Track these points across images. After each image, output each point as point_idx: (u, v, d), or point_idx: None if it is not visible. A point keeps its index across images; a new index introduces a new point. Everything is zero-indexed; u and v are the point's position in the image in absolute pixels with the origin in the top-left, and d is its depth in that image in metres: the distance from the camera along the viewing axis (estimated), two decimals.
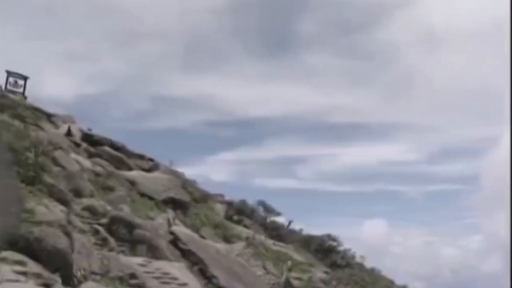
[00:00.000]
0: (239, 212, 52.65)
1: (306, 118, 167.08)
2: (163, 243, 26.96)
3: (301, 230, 56.16)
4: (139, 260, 23.05)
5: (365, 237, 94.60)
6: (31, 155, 27.27)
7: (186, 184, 48.30)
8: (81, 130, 50.96)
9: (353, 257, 48.99)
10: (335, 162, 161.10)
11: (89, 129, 52.24)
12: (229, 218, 49.02)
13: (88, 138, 49.51)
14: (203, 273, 26.10)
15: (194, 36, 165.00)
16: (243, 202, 55.13)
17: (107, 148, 48.02)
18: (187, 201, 42.60)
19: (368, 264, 48.80)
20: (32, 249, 16.37)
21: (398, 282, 47.49)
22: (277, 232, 51.84)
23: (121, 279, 20.01)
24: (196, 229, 36.15)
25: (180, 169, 52.79)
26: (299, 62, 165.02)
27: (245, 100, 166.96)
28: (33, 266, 15.83)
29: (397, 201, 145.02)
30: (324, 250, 49.30)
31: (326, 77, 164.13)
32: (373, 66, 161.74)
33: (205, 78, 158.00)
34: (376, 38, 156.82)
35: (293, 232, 55.22)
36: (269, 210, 56.40)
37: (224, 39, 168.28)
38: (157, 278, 21.70)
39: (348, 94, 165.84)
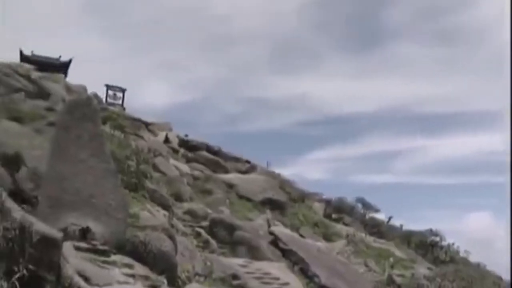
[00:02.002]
0: (338, 210, 52.24)
1: (399, 111, 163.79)
2: (263, 244, 27.21)
3: (401, 226, 54.99)
4: (240, 261, 23.37)
5: (468, 230, 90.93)
6: (133, 163, 28.42)
7: (283, 184, 48.52)
8: (178, 137, 52.44)
9: (457, 252, 47.17)
10: (431, 154, 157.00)
11: (186, 135, 53.61)
12: (327, 216, 48.78)
13: (185, 143, 50.85)
14: (304, 272, 26.10)
15: (282, 37, 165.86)
16: (341, 199, 54.65)
17: (204, 153, 49.08)
18: (284, 201, 42.77)
19: (473, 259, 47.05)
20: (138, 252, 17.02)
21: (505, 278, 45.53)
22: (377, 229, 51.00)
23: (223, 280, 20.37)
24: (295, 229, 36.25)
25: (276, 170, 53.17)
26: (388, 54, 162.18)
27: (337, 97, 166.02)
28: (140, 269, 16.45)
29: (502, 193, 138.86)
30: (425, 245, 47.92)
31: (417, 67, 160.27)
32: (464, 50, 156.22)
33: (295, 78, 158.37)
34: (464, 19, 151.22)
35: (393, 228, 54.14)
36: (367, 206, 55.64)
37: (311, 37, 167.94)
38: (258, 278, 21.91)
39: (441, 83, 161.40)
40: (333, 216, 50.05)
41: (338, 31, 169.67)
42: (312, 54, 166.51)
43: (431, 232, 50.24)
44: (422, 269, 35.86)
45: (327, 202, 53.32)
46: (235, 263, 22.76)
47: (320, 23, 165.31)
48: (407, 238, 49.87)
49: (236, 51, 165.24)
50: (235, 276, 21.11)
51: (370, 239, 43.50)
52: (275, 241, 28.81)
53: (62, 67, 59.42)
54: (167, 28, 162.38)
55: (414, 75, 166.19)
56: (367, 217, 54.78)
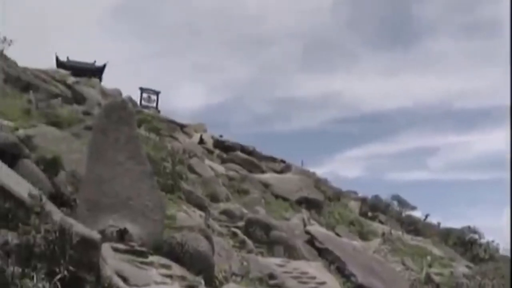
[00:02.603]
0: (373, 208, 51.96)
1: (434, 106, 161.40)
2: (300, 243, 27.22)
3: (438, 223, 54.44)
4: (277, 260, 23.38)
5: (507, 227, 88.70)
6: (168, 164, 28.70)
7: (318, 183, 48.47)
8: (212, 138, 52.81)
9: (496, 249, 46.36)
10: (468, 150, 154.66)
11: (220, 136, 53.94)
12: (363, 214, 48.55)
13: (220, 144, 51.18)
14: (341, 271, 26.02)
15: (314, 35, 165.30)
16: (376, 197, 54.35)
17: (238, 153, 49.31)
18: (320, 200, 42.73)
19: None
20: (175, 253, 17.18)
21: None
22: (414, 227, 50.58)
23: (260, 280, 20.41)
24: (331, 227, 36.17)
25: (311, 169, 53.10)
26: (422, 49, 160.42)
27: (371, 94, 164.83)
28: (177, 269, 16.60)
29: None
30: (464, 243, 47.30)
31: (452, 61, 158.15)
32: (499, 43, 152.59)
33: (329, 76, 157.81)
34: (498, 11, 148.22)
35: (430, 226, 53.58)
36: (403, 204, 55.21)
37: (344, 34, 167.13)
38: (295, 277, 21.90)
39: (476, 77, 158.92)
40: (369, 214, 49.80)
41: (371, 28, 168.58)
42: (345, 51, 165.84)
43: (470, 229, 49.58)
44: (461, 267, 35.42)
45: (363, 200, 53.09)
46: (272, 262, 22.79)
47: (352, 20, 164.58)
48: (445, 236, 49.31)
49: (268, 51, 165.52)
50: (272, 276, 21.14)
51: (407, 237, 43.14)
52: (311, 240, 28.79)
53: (97, 71, 60.41)
54: (199, 29, 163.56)
55: (449, 70, 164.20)
56: (403, 215, 54.37)
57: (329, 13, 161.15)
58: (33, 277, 9.88)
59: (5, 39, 24.31)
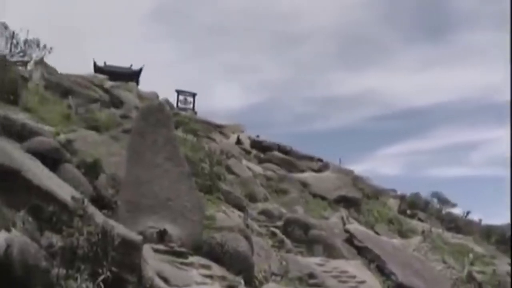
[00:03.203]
0: (413, 205, 51.38)
1: (473, 100, 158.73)
2: (339, 242, 27.10)
3: (480, 220, 53.45)
4: (316, 259, 23.35)
5: None
6: (206, 165, 28.87)
7: (357, 181, 48.13)
8: (249, 138, 52.88)
9: None
10: (509, 144, 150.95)
11: (257, 136, 54.00)
12: (402, 212, 48.07)
13: (257, 144, 51.24)
14: (381, 269, 25.81)
15: (349, 31, 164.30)
16: (416, 195, 53.70)
17: (276, 153, 49.30)
18: (359, 198, 42.45)
19: None
20: (215, 253, 17.31)
21: None
22: (455, 224, 49.83)
23: (300, 279, 20.39)
24: (370, 226, 35.93)
25: (348, 167, 52.81)
26: (458, 42, 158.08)
27: (407, 90, 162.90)
28: (217, 269, 16.72)
29: None
30: (506, 240, 46.34)
31: (489, 53, 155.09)
32: None
33: (364, 73, 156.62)
34: None
35: (471, 223, 52.67)
36: (443, 201, 54.44)
37: (379, 30, 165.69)
38: (335, 277, 21.83)
39: None
40: (408, 212, 49.28)
41: (406, 22, 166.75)
42: (381, 47, 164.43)
43: None
44: (504, 265, 34.73)
45: (402, 198, 52.54)
46: (312, 262, 22.76)
47: (387, 15, 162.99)
48: (487, 233, 48.39)
49: (303, 49, 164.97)
50: (311, 275, 21.11)
51: (447, 235, 42.56)
52: (350, 239, 28.64)
53: (133, 75, 61.13)
54: (233, 29, 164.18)
55: (486, 63, 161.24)
56: (443, 212, 53.60)
57: (364, 9, 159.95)
58: (77, 278, 10.07)
59: (45, 46, 24.83)
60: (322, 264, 22.84)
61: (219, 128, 54.09)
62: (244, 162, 41.02)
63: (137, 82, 60.22)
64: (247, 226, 23.23)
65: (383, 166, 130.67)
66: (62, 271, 9.92)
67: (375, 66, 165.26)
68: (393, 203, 49.88)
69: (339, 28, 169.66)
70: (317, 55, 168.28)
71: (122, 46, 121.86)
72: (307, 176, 43.83)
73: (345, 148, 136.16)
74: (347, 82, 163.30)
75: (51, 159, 16.69)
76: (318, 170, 48.75)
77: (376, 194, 49.42)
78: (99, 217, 11.79)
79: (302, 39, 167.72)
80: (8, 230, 8.77)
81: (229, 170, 34.62)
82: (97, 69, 59.98)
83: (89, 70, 57.16)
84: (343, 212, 35.77)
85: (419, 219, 47.24)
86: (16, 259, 8.71)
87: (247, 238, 19.24)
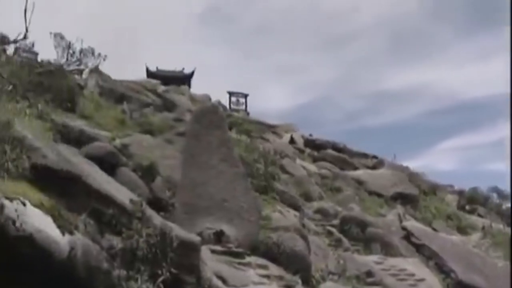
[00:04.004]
0: (471, 201, 50.14)
1: None
2: (396, 239, 26.77)
3: None
4: (374, 258, 23.10)
5: None
6: (261, 165, 28.96)
7: (413, 177, 47.37)
8: (303, 137, 52.75)
9: None
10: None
11: (310, 135, 53.82)
12: (461, 208, 47.01)
13: (310, 143, 51.07)
14: (440, 267, 25.31)
15: (401, 25, 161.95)
16: (474, 190, 52.38)
17: (329, 151, 49.02)
18: (415, 194, 41.77)
19: None
20: (272, 253, 17.35)
21: None
22: None
23: (357, 278, 20.20)
24: (427, 223, 35.29)
25: (404, 163, 52.05)
26: None
27: (463, 82, 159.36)
28: (274, 269, 16.75)
29: None
30: None
31: None
32: None
33: (417, 67, 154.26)
34: None
35: None
36: (503, 196, 52.93)
37: (430, 23, 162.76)
38: (393, 275, 21.54)
39: None
40: (467, 207, 48.15)
41: (458, 14, 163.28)
42: (434, 40, 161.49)
43: None
44: None
45: (460, 193, 51.38)
46: (369, 260, 22.53)
47: (440, 6, 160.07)
48: None
49: (353, 46, 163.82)
50: (369, 274, 20.90)
51: (508, 230, 41.37)
52: (407, 236, 28.22)
53: (185, 78, 61.88)
54: (282, 29, 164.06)
55: None
56: (503, 207, 52.09)
57: (414, 2, 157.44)
58: (137, 279, 10.27)
59: (99, 54, 25.36)
60: (380, 262, 22.58)
61: (272, 128, 54.14)
62: (298, 161, 40.97)
63: (189, 85, 60.90)
64: (303, 225, 23.18)
65: (439, 161, 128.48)
66: (123, 272, 10.13)
67: (428, 59, 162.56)
68: (451, 199, 48.87)
69: (389, 22, 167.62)
70: (368, 51, 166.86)
71: (173, 50, 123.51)
72: (362, 173, 43.44)
73: (400, 144, 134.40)
74: (399, 77, 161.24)
75: (109, 164, 17.07)
76: (373, 167, 48.23)
77: (433, 190, 48.54)
78: (157, 219, 11.98)
79: (351, 36, 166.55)
80: (71, 233, 9.00)
81: (284, 169, 34.63)
82: (150, 74, 60.96)
83: (142, 75, 58.14)
84: (399, 209, 35.23)
85: (479, 215, 46.10)
86: (80, 261, 8.94)
87: (304, 237, 19.21)
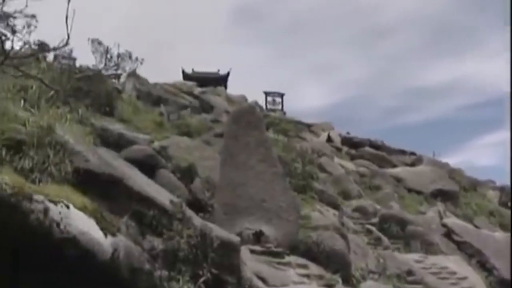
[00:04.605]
0: None
1: None
2: (437, 237, 26.46)
3: None
4: (414, 256, 22.88)
5: None
6: (298, 165, 28.96)
7: (452, 173, 46.69)
8: (340, 135, 52.51)
9: None
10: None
11: (348, 133, 53.56)
12: (503, 204, 46.10)
13: (347, 141, 50.83)
14: (482, 264, 24.92)
15: (436, 19, 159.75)
16: None
17: (367, 149, 48.71)
18: (455, 191, 41.15)
19: None
20: (311, 252, 17.34)
21: None
22: None
23: (398, 277, 20.03)
24: (469, 219, 34.73)
25: (443, 159, 51.37)
26: None
27: (502, 75, 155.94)
28: (314, 269, 16.74)
29: None
30: None
31: None
32: None
33: (454, 60, 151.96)
34: None
35: None
36: None
37: (467, 15, 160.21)
38: (434, 273, 21.30)
39: None
40: (510, 203, 47.24)
41: (496, 5, 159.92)
42: (472, 33, 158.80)
43: None
44: None
45: (502, 189, 50.39)
46: (410, 258, 22.33)
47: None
48: None
49: (389, 41, 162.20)
50: (410, 272, 20.71)
51: None
52: (448, 234, 27.85)
53: (221, 80, 62.14)
54: (316, 27, 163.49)
55: None
56: None
57: None
58: (179, 280, 10.40)
59: (136, 58, 25.67)
60: (421, 261, 22.36)
61: (309, 127, 54.03)
62: (336, 159, 40.81)
63: (225, 86, 61.16)
64: (342, 224, 23.11)
65: (479, 157, 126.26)
66: (165, 273, 10.27)
67: (466, 53, 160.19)
68: (493, 195, 47.98)
69: (425, 17, 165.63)
70: (404, 46, 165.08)
71: (208, 51, 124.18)
72: (401, 170, 43.02)
73: (438, 140, 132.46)
74: (437, 72, 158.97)
75: (148, 166, 17.24)
76: (412, 164, 47.70)
77: (474, 186, 47.76)
78: (197, 220, 12.11)
79: (387, 31, 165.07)
80: (113, 235, 9.15)
81: (322, 168, 34.55)
82: (186, 76, 61.38)
83: (178, 78, 58.63)
84: (439, 206, 34.78)
85: None
86: (122, 262, 9.10)
87: (343, 236, 19.15)
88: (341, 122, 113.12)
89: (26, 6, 8.55)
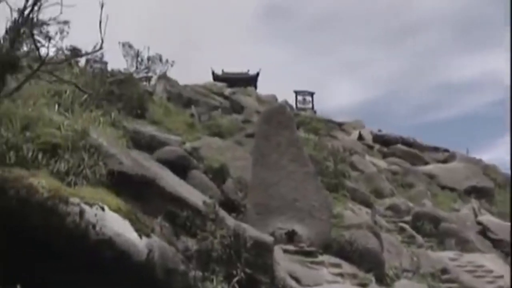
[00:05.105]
0: None
1: None
2: (472, 235, 26.10)
3: None
4: (449, 254, 22.59)
5: None
6: (330, 164, 28.87)
7: (487, 170, 45.98)
8: (371, 133, 52.15)
9: None
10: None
11: (379, 130, 53.12)
12: None
13: (379, 139, 50.42)
14: None
15: (465, 13, 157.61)
16: None
17: (399, 146, 48.25)
18: (490, 188, 40.55)
19: None
20: (345, 251, 17.27)
21: None
22: None
23: (432, 275, 19.77)
24: (504, 217, 34.24)
25: (477, 156, 50.65)
26: None
27: None
28: (347, 268, 16.68)
29: None
30: None
31: None
32: None
33: (485, 55, 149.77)
34: None
35: None
36: None
37: (496, 9, 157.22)
38: (469, 272, 20.98)
39: None
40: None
41: None
42: (500, 27, 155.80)
43: None
44: None
45: None
46: (444, 256, 22.04)
47: None
48: None
49: (419, 38, 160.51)
50: (444, 271, 20.44)
51: None
52: (483, 231, 27.47)
53: (251, 80, 62.21)
54: (344, 23, 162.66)
55: None
56: None
57: None
58: (212, 280, 10.49)
59: (167, 61, 25.96)
60: (455, 259, 22.07)
61: (339, 126, 53.80)
62: (368, 157, 40.58)
63: (255, 86, 61.24)
64: (375, 222, 22.98)
65: None
66: (199, 274, 10.37)
67: (496, 47, 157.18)
68: None
69: (455, 11, 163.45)
70: (434, 42, 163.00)
71: (237, 51, 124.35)
72: (433, 167, 42.51)
73: (472, 136, 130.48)
74: (468, 67, 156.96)
75: (180, 167, 17.40)
76: (445, 161, 47.12)
77: (509, 182, 47.00)
78: (230, 220, 12.19)
79: (417, 27, 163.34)
80: (148, 236, 9.27)
81: (353, 166, 34.39)
82: (216, 77, 61.63)
83: (207, 79, 58.90)
84: (474, 203, 34.30)
85: None
86: (157, 263, 9.21)
87: (376, 234, 19.04)
88: (372, 120, 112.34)
89: (61, 13, 8.73)
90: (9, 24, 8.84)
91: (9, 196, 8.22)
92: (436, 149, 51.38)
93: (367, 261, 17.11)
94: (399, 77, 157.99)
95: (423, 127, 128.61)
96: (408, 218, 26.56)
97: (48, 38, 9.20)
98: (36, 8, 8.64)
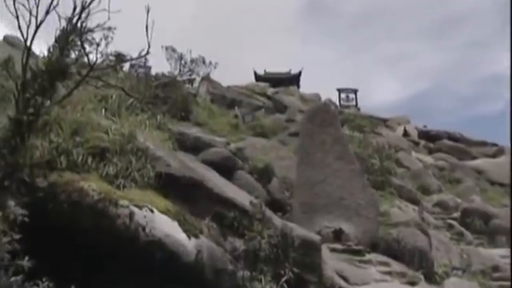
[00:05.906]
0: None
1: None
2: None
3: None
4: (500, 251, 22.12)
5: None
6: (376, 161, 28.61)
7: None
8: (416, 129, 51.51)
9: None
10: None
11: (425, 126, 52.47)
12: None
13: (425, 134, 49.77)
14: None
15: (508, 5, 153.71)
16: None
17: (445, 141, 47.52)
18: None
19: None
20: (392, 249, 17.11)
21: None
22: None
23: (483, 273, 19.41)
24: None
25: None
26: None
27: None
28: (396, 266, 16.51)
29: None
30: None
31: None
32: None
33: None
34: None
35: None
36: None
37: None
38: None
39: None
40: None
41: None
42: None
43: None
44: None
45: None
46: (495, 254, 21.60)
47: None
48: None
49: (465, 30, 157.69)
50: (495, 268, 20.02)
51: None
52: None
53: (293, 79, 62.09)
54: (386, 18, 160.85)
55: None
56: None
57: None
58: (261, 280, 10.53)
59: (210, 63, 26.25)
60: (507, 256, 21.60)
61: (384, 122, 53.25)
62: (414, 154, 40.08)
63: (298, 86, 61.09)
64: (423, 219, 22.69)
65: None
66: (247, 274, 10.43)
67: None
68: None
69: (502, 1, 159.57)
70: (479, 33, 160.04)
71: (279, 50, 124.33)
72: (481, 162, 41.69)
73: None
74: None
75: (226, 168, 17.53)
76: (493, 156, 46.17)
77: None
78: (277, 220, 12.22)
79: (463, 19, 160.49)
80: (196, 236, 9.38)
81: (399, 163, 34.00)
82: (258, 77, 61.71)
83: (250, 79, 59.04)
84: None
85: None
86: (206, 263, 9.32)
87: (425, 232, 18.80)
88: (417, 115, 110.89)
89: (109, 19, 8.91)
90: (58, 32, 9.04)
91: (61, 199, 8.44)
92: (484, 144, 50.34)
93: (415, 259, 16.90)
94: (444, 71, 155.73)
95: (470, 121, 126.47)
96: (456, 214, 26.17)
97: (96, 44, 9.40)
98: (83, 15, 8.83)
